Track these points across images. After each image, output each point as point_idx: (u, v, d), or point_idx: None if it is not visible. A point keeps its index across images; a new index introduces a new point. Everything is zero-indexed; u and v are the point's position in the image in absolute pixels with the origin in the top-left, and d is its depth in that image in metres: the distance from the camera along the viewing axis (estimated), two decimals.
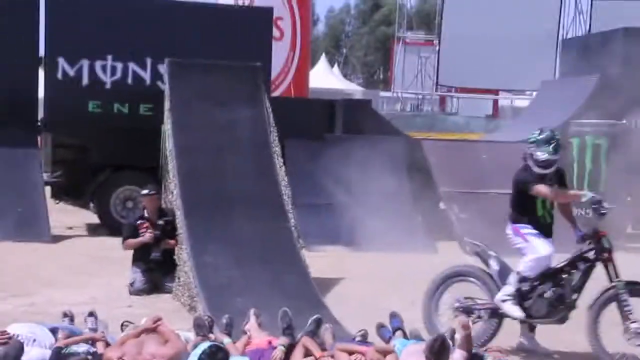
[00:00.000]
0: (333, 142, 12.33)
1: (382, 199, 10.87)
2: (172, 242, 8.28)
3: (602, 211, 6.54)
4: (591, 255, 6.57)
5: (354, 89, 34.03)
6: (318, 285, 7.83)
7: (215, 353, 5.24)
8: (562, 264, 6.65)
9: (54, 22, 11.88)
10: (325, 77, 31.21)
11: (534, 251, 6.61)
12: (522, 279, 6.62)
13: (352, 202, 11.04)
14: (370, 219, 10.52)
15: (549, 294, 6.57)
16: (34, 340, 5.55)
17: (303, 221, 10.47)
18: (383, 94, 35.02)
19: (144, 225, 8.48)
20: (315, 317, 6.15)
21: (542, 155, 6.61)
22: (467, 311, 6.69)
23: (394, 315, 6.44)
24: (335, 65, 39.47)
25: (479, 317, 6.73)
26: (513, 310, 6.58)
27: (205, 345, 5.39)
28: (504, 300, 6.61)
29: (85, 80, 11.97)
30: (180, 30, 12.10)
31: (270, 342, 5.87)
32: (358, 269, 9.53)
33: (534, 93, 20.20)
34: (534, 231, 6.64)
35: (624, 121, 13.22)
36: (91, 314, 6.19)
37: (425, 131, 19.32)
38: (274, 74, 15.48)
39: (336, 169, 11.23)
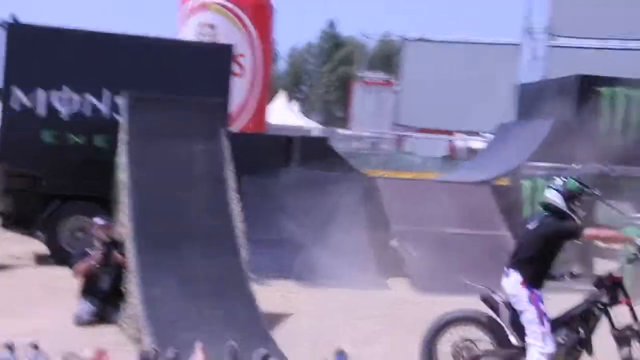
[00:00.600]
0: (289, 177, 12.38)
1: (335, 234, 10.92)
2: (120, 256, 8.23)
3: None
4: (606, 299, 6.42)
5: (312, 125, 34.22)
6: (268, 319, 7.83)
7: None
8: (576, 311, 6.45)
9: (11, 52, 11.83)
10: (284, 114, 31.38)
11: (542, 342, 6.18)
12: None
13: (306, 238, 11.08)
14: (322, 254, 10.56)
15: (565, 340, 6.34)
16: None
17: (256, 256, 10.47)
18: (341, 131, 35.26)
19: (101, 252, 8.43)
20: (261, 351, 6.15)
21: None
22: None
23: (339, 353, 6.46)
24: (294, 102, 39.70)
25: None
26: None
27: None
28: None
29: (40, 110, 11.91)
30: (139, 64, 12.10)
31: None
32: (309, 304, 9.55)
33: (488, 135, 20.55)
34: (548, 312, 6.27)
35: (575, 165, 13.50)
36: (34, 346, 6.11)
37: (381, 169, 19.49)
38: (233, 109, 15.54)
39: (291, 204, 11.28)
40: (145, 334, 7.05)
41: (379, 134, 30.08)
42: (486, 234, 12.34)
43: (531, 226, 6.48)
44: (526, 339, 6.25)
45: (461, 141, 31.33)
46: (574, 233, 6.34)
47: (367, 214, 12.13)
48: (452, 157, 28.61)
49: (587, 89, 14.15)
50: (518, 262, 6.36)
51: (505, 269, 6.46)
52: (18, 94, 11.77)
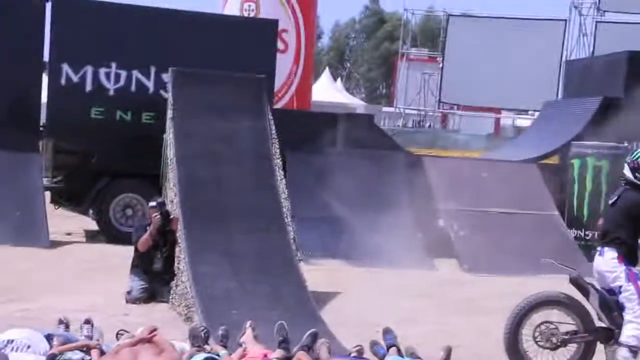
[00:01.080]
0: (334, 155, 12.33)
1: (381, 213, 10.85)
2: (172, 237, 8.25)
3: None
4: None
5: (356, 103, 34.08)
6: (315, 298, 7.81)
7: None
8: None
9: (59, 28, 11.90)
10: (328, 91, 31.27)
11: None
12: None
13: (352, 216, 11.03)
14: (369, 234, 10.51)
15: None
16: (29, 347, 5.53)
17: (302, 234, 10.46)
18: (385, 109, 35.03)
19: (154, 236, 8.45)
20: (311, 331, 6.12)
21: None
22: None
23: (387, 332, 6.41)
24: (339, 79, 39.53)
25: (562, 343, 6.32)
26: None
27: (200, 356, 5.37)
28: None
29: (88, 87, 11.98)
30: (185, 40, 12.11)
31: (265, 355, 5.84)
32: (355, 283, 9.51)
33: (536, 113, 20.23)
34: None
35: (626, 144, 13.22)
36: (87, 322, 6.17)
37: (427, 148, 19.33)
38: (277, 86, 15.50)
39: (336, 182, 11.23)
40: (195, 312, 7.08)
41: (424, 111, 29.84)
42: (534, 213, 12.19)
43: (612, 201, 6.40)
44: (625, 315, 6.12)
45: (507, 119, 30.94)
46: None
47: (412, 192, 12.04)
48: (497, 135, 28.29)
49: (637, 65, 13.85)
50: (609, 239, 6.25)
51: (599, 247, 6.37)
52: (65, 69, 11.85)
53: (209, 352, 5.60)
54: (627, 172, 6.34)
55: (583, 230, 12.44)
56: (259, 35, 12.79)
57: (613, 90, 13.84)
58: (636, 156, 6.37)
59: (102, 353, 5.56)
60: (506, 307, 6.64)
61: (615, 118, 12.81)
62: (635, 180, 6.26)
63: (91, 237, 12.13)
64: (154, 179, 9.98)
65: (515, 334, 6.39)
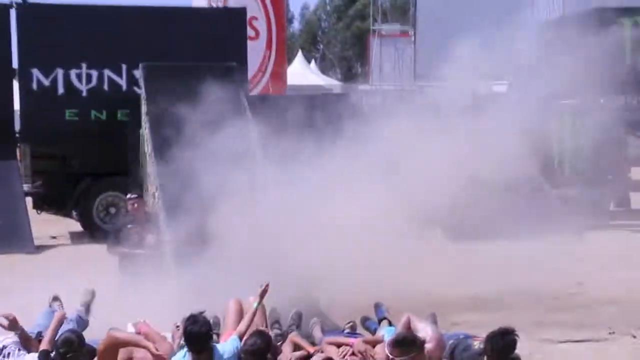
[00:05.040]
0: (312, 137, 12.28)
1: None
2: (151, 238, 8.22)
3: None
4: None
5: (332, 83, 33.98)
6: (304, 277, 7.80)
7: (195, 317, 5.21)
8: None
9: (25, 34, 11.82)
10: (303, 74, 31.16)
11: None
12: None
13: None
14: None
15: None
16: (19, 350, 5.52)
17: None
18: (362, 87, 34.99)
19: (135, 231, 8.40)
20: (295, 310, 6.15)
21: None
22: None
23: (378, 306, 6.43)
24: (313, 62, 39.41)
25: None
26: None
27: None
28: None
29: (60, 90, 11.91)
30: (154, 35, 12.08)
31: None
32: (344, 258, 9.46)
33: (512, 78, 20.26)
34: None
35: (602, 100, 13.29)
36: (55, 298, 6.21)
37: None
38: (251, 73, 15.47)
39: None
40: (187, 303, 7.04)
41: (400, 87, 29.81)
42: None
43: None
44: None
45: (485, 87, 30.93)
46: None
47: None
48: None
49: (608, 20, 13.90)
50: None
51: None
52: (35, 73, 11.78)
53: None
54: None
55: None
56: (229, 24, 12.77)
57: (586, 48, 13.87)
58: None
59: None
60: None
61: (591, 75, 12.84)
62: None
63: (76, 238, 12.09)
64: (134, 175, 9.96)
65: None
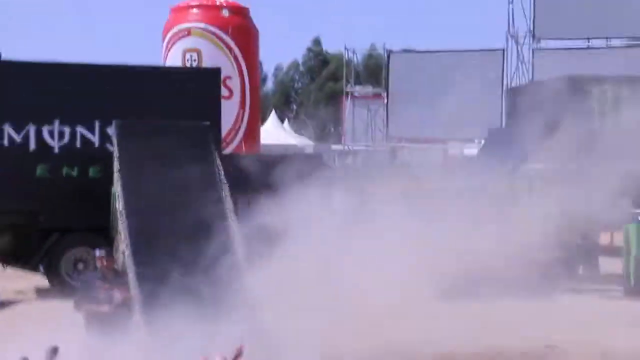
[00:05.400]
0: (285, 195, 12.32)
1: None
2: (120, 295, 8.12)
3: None
4: None
5: (305, 143, 34.19)
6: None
7: None
8: None
9: None
10: (276, 133, 31.35)
11: None
12: None
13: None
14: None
15: None
16: None
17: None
18: (334, 147, 35.24)
19: (104, 287, 8.29)
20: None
21: None
22: None
23: None
24: (286, 121, 39.72)
25: None
26: None
27: None
28: None
29: (32, 146, 11.88)
30: (128, 93, 12.12)
31: None
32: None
33: (482, 141, 20.57)
34: None
35: (571, 165, 13.48)
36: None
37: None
38: (224, 132, 15.53)
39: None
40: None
41: (373, 147, 30.07)
42: None
43: None
44: None
45: (455, 149, 31.27)
46: None
47: None
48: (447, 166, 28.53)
49: (576, 89, 14.20)
50: None
51: None
52: (7, 129, 11.75)
53: None
54: None
55: None
56: (203, 84, 12.86)
57: (555, 114, 14.14)
58: None
59: None
60: None
61: (558, 141, 13.06)
62: None
63: (43, 294, 11.91)
64: (103, 232, 9.90)
65: None
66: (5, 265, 12.22)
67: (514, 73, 27.69)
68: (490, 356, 7.93)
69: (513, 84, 25.82)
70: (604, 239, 14.13)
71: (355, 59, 31.07)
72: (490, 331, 8.47)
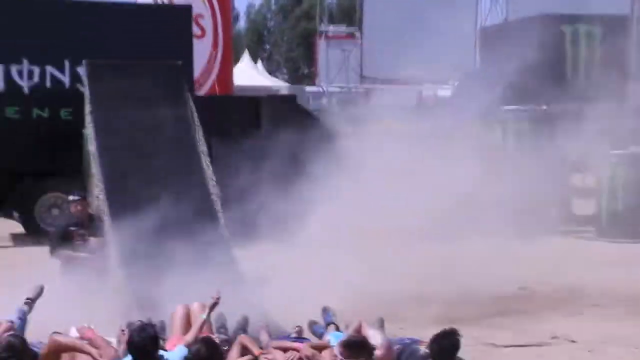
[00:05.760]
0: (259, 139, 12.27)
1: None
2: (94, 240, 8.09)
3: None
4: None
5: (279, 85, 33.95)
6: (251, 282, 7.77)
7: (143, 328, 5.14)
8: None
9: None
10: (249, 74, 31.05)
11: None
12: None
13: (280, 198, 10.98)
14: (299, 214, 10.47)
15: None
16: None
17: (233, 220, 10.37)
18: (308, 88, 35.02)
19: (79, 233, 8.23)
20: (242, 315, 6.14)
21: None
22: None
23: (325, 310, 6.44)
24: (259, 62, 39.31)
25: None
26: None
27: None
28: None
29: (0, 86, 11.65)
30: (98, 31, 11.89)
31: None
32: (290, 263, 9.48)
33: (457, 83, 20.53)
34: None
35: (544, 106, 13.52)
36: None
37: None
38: (197, 73, 15.34)
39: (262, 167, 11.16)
40: (132, 308, 6.97)
41: (347, 88, 29.91)
42: None
43: None
44: None
45: (429, 90, 31.20)
46: None
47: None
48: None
49: (550, 28, 14.14)
50: None
51: None
52: None
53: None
54: None
55: None
56: (174, 21, 12.64)
57: (528, 54, 14.09)
58: None
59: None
60: None
61: (532, 81, 13.07)
62: None
63: (19, 240, 11.82)
64: (78, 176, 9.79)
65: None
66: None
67: (488, 13, 27.55)
68: (461, 295, 8.00)
69: (487, 24, 25.68)
70: (577, 180, 14.26)
71: None
72: (463, 273, 8.56)
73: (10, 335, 5.44)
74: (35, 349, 5.52)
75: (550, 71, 13.42)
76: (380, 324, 6.17)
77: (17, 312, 6.21)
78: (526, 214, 10.46)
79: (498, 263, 9.03)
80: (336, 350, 5.33)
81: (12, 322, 5.92)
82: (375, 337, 5.57)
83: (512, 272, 8.99)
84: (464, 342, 5.22)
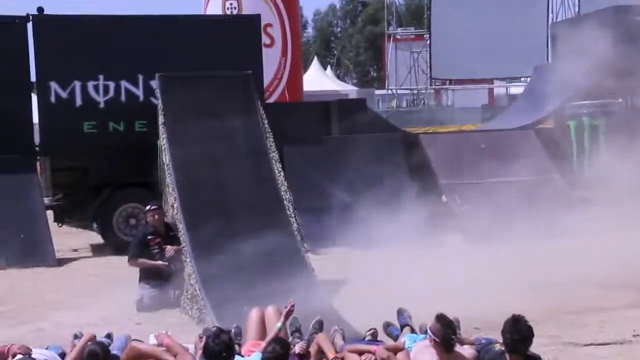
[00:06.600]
0: (330, 143, 12.33)
1: (383, 195, 10.82)
2: (171, 247, 8.26)
3: None
4: None
5: (348, 89, 34.00)
6: (325, 287, 7.81)
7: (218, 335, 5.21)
8: None
9: (42, 47, 11.88)
10: (319, 80, 31.21)
11: None
12: None
13: (354, 202, 11.01)
14: (373, 217, 10.47)
15: None
16: None
17: (306, 225, 10.44)
18: (378, 91, 34.96)
19: (156, 241, 8.44)
20: (317, 319, 6.16)
21: None
22: None
23: (401, 312, 6.41)
24: (328, 67, 39.47)
25: None
26: None
27: None
28: None
29: (78, 102, 11.97)
30: (170, 44, 12.10)
31: None
32: (364, 267, 9.48)
33: (528, 79, 20.20)
34: None
35: (620, 100, 13.20)
36: (108, 336, 6.24)
37: (423, 126, 19.31)
38: (267, 81, 15.48)
39: (335, 170, 11.20)
40: (207, 313, 7.09)
41: (416, 90, 29.77)
42: (535, 179, 12.16)
43: None
44: None
45: (500, 88, 30.83)
46: None
47: (413, 171, 12.01)
48: (492, 105, 28.21)
49: (624, 20, 13.80)
50: None
51: None
52: (53, 86, 11.84)
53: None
54: None
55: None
56: (244, 31, 12.76)
57: (602, 48, 13.78)
58: None
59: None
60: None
61: (607, 75, 12.77)
62: None
63: (98, 250, 12.14)
64: (153, 186, 9.99)
65: None
66: (60, 223, 12.43)
67: (560, 7, 27.06)
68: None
69: (559, 19, 25.23)
70: None
71: (396, 0, 30.57)
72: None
73: (93, 343, 5.59)
74: (117, 357, 5.65)
75: (626, 63, 13.08)
76: (457, 324, 6.11)
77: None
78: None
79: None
80: (429, 325, 5.36)
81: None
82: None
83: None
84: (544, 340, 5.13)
